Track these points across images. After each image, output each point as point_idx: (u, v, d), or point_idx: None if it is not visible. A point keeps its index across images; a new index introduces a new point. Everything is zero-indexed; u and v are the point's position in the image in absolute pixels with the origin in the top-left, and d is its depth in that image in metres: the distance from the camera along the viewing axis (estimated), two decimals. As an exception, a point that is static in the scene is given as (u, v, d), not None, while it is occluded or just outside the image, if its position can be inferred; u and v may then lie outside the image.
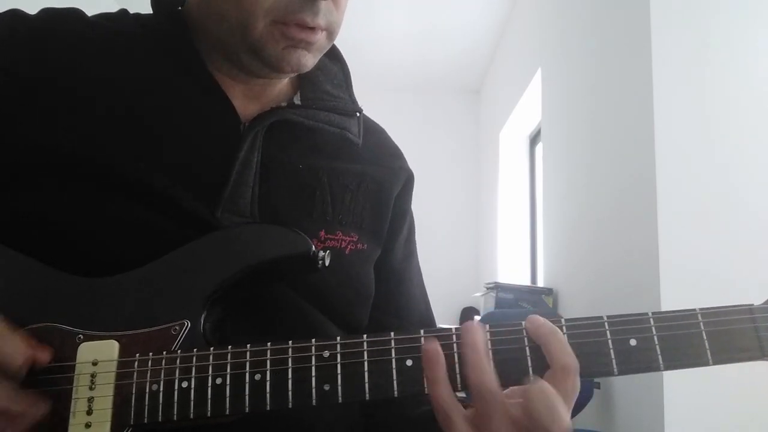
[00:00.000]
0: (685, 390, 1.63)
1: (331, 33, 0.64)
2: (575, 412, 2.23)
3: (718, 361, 0.51)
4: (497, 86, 4.62)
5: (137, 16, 0.70)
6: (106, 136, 0.59)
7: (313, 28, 0.61)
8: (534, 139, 4.18)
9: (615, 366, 0.50)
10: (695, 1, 1.79)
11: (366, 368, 0.51)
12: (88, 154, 0.58)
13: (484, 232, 4.86)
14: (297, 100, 0.68)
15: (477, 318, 3.40)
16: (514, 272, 3.97)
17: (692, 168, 1.73)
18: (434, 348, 0.49)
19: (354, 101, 0.73)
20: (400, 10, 4.03)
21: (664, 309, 1.65)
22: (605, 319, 0.52)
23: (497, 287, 2.97)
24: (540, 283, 3.47)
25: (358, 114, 0.73)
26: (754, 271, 1.64)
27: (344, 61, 0.75)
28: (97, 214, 0.58)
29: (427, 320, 0.78)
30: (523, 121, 4.05)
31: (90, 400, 0.51)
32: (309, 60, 0.63)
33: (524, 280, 3.86)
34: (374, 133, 0.78)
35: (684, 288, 1.68)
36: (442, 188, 4.80)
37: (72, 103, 0.60)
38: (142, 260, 0.57)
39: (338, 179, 0.68)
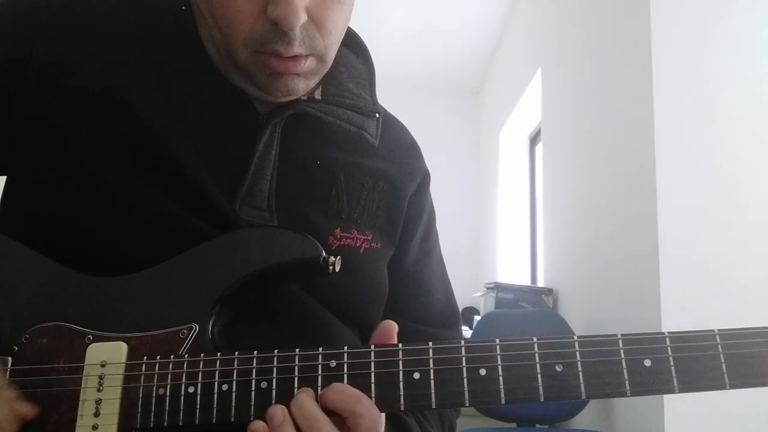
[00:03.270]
0: (685, 390, 1.63)
1: (320, 56, 0.61)
2: (575, 412, 2.23)
3: (735, 386, 0.49)
4: (497, 86, 4.62)
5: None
6: (139, 122, 0.60)
7: (294, 57, 0.58)
8: (534, 139, 4.18)
9: (628, 387, 0.49)
10: (695, 0, 1.80)
11: (373, 380, 0.51)
12: (119, 137, 0.59)
13: (484, 232, 4.86)
14: (318, 95, 0.67)
15: (477, 318, 3.40)
16: (514, 272, 3.97)
17: (692, 167, 1.73)
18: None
19: (375, 102, 0.72)
20: (400, 10, 4.03)
21: (663, 309, 1.66)
22: (619, 337, 0.50)
23: (497, 287, 2.97)
24: (540, 283, 3.47)
25: (377, 115, 0.72)
26: (754, 270, 1.65)
27: (371, 61, 0.74)
28: (114, 202, 0.58)
29: (445, 318, 0.77)
30: (523, 121, 4.05)
31: (98, 402, 0.52)
32: (300, 84, 0.62)
33: (524, 280, 3.86)
34: (393, 128, 0.77)
35: (684, 288, 1.68)
36: (442, 188, 4.79)
37: (95, 89, 0.60)
38: (155, 253, 0.57)
39: (354, 177, 0.68)
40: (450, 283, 0.82)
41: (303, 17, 0.55)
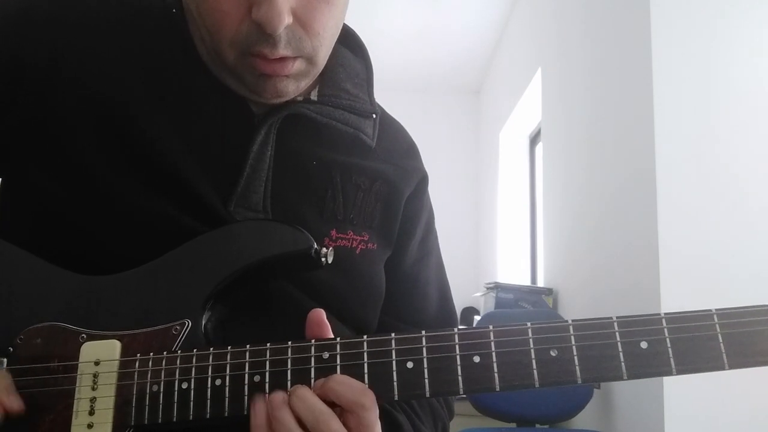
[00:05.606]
0: (685, 389, 1.63)
1: (310, 58, 0.59)
2: (575, 411, 2.23)
3: (734, 365, 0.47)
4: (497, 86, 4.62)
5: None
6: (134, 123, 0.60)
7: (281, 59, 0.57)
8: (534, 139, 4.18)
9: (624, 370, 0.48)
10: (695, 0, 1.80)
11: (366, 370, 0.50)
12: (115, 138, 0.59)
13: (484, 232, 4.86)
14: (314, 96, 0.67)
15: (477, 318, 3.40)
16: (514, 272, 3.97)
17: (692, 167, 1.73)
18: (260, 404, 0.50)
19: (372, 102, 0.71)
20: (399, 10, 4.03)
21: (663, 308, 1.66)
22: (614, 319, 0.49)
23: (497, 287, 2.96)
24: (540, 283, 3.47)
25: (374, 116, 0.71)
26: (754, 270, 1.65)
27: (369, 60, 0.73)
28: (115, 202, 0.58)
29: (441, 320, 0.77)
30: (523, 121, 4.05)
31: (92, 400, 0.52)
32: (289, 86, 0.61)
33: (524, 280, 3.86)
34: (390, 129, 0.76)
35: (684, 287, 1.68)
36: (442, 188, 4.79)
37: (91, 91, 0.60)
38: (149, 252, 0.57)
39: (351, 178, 0.68)
40: (448, 287, 0.81)
41: (287, 20, 0.54)
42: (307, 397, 0.49)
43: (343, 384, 0.49)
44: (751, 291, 1.63)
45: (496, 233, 4.27)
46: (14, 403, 0.51)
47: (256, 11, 0.54)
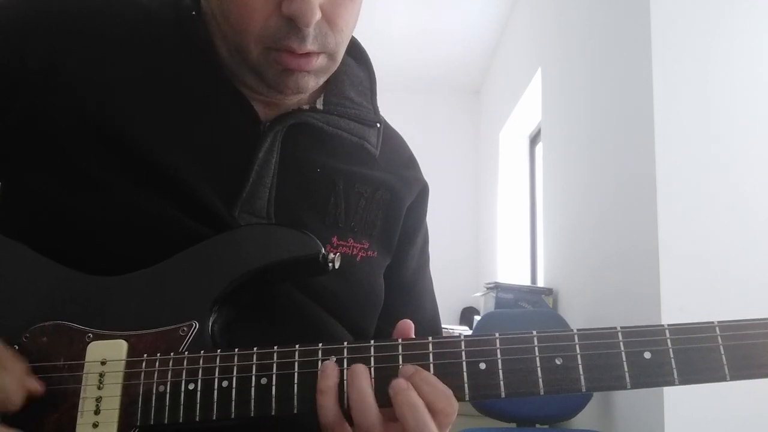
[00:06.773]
0: (684, 389, 1.63)
1: (332, 54, 0.61)
2: (575, 411, 2.23)
3: (735, 377, 0.48)
4: (497, 86, 4.62)
5: None
6: (134, 126, 0.60)
7: (307, 54, 0.58)
8: (534, 139, 4.18)
9: (628, 380, 0.49)
10: (695, 1, 1.80)
11: (372, 374, 0.50)
12: (115, 141, 0.59)
13: (484, 232, 4.86)
14: (319, 105, 0.68)
15: (477, 318, 3.40)
16: (514, 272, 3.97)
17: (692, 167, 1.73)
18: (332, 364, 0.51)
19: (376, 111, 0.72)
20: (399, 10, 4.02)
21: (664, 309, 1.66)
22: (619, 329, 0.50)
23: (497, 287, 2.96)
24: (540, 283, 3.47)
25: (378, 125, 0.72)
26: (754, 271, 1.65)
27: (372, 68, 0.74)
28: (117, 204, 0.58)
29: (433, 329, 0.78)
30: (523, 121, 4.06)
31: (98, 399, 0.52)
32: (310, 82, 0.62)
33: (524, 280, 3.86)
34: (392, 140, 0.77)
35: (684, 287, 1.68)
36: (442, 188, 4.78)
37: (92, 97, 0.60)
38: (149, 253, 0.57)
39: (354, 186, 0.68)
40: (437, 304, 0.83)
41: (318, 14, 0.56)
42: (366, 395, 0.49)
43: (434, 387, 0.49)
44: (750, 291, 1.63)
45: (496, 233, 4.27)
46: (35, 384, 0.52)
47: (288, 6, 0.55)
